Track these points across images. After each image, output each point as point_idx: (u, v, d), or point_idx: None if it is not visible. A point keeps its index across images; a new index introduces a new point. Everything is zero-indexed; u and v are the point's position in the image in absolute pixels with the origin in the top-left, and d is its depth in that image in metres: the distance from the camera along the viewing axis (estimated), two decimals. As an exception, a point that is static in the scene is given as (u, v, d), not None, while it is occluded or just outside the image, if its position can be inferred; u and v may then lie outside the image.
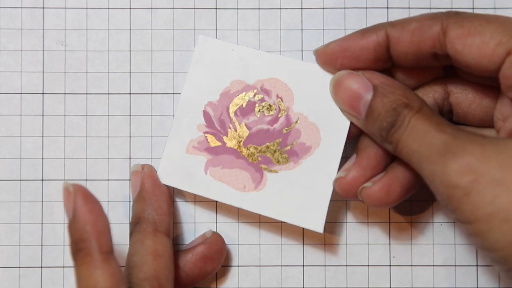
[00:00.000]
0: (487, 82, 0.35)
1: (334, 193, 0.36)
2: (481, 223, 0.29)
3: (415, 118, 0.32)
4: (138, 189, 0.37)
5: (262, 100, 0.38)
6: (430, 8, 0.40)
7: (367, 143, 0.36)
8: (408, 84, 0.36)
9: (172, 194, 0.40)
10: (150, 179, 0.37)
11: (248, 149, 0.38)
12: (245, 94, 0.38)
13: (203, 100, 0.38)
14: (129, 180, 0.39)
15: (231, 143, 0.38)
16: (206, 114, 0.38)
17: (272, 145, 0.38)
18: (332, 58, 0.35)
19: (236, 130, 0.38)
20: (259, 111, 0.38)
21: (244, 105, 0.38)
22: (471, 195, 0.29)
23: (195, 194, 0.38)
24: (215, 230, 0.39)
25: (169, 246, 0.35)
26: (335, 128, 0.37)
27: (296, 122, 0.37)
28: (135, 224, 0.36)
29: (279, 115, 0.38)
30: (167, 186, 0.37)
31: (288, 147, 0.37)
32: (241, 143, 0.38)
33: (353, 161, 0.36)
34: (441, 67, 0.36)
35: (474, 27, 0.32)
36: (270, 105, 0.38)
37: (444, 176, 0.30)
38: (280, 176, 0.37)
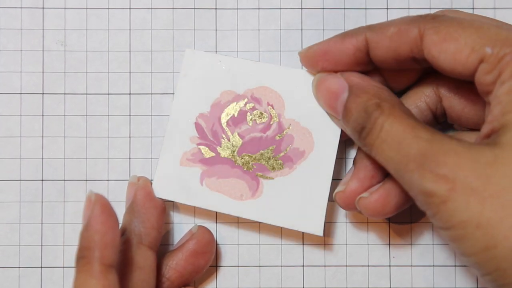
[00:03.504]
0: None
1: (331, 195, 0.36)
2: (456, 230, 0.29)
3: (389, 123, 0.32)
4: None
5: (253, 108, 0.38)
6: (430, 8, 0.40)
7: (364, 153, 0.36)
8: (394, 86, 0.36)
9: (172, 206, 0.40)
10: (142, 191, 0.37)
11: (242, 157, 0.38)
12: (236, 103, 0.38)
13: (194, 112, 0.38)
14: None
15: (225, 153, 0.38)
16: (198, 126, 0.38)
17: (266, 152, 0.38)
18: (313, 60, 0.36)
19: (229, 140, 0.38)
20: (251, 119, 0.38)
21: (235, 115, 0.38)
22: (448, 203, 0.29)
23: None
24: (215, 230, 0.39)
25: (152, 259, 0.36)
26: (327, 131, 0.37)
27: (289, 128, 0.37)
28: (121, 235, 0.36)
29: (271, 122, 0.38)
30: (163, 201, 0.37)
31: (282, 153, 0.37)
32: (235, 152, 0.38)
33: (351, 173, 0.36)
34: (423, 69, 0.36)
35: (450, 33, 0.32)
36: (261, 113, 0.38)
37: (421, 184, 0.30)
38: (276, 183, 0.37)
